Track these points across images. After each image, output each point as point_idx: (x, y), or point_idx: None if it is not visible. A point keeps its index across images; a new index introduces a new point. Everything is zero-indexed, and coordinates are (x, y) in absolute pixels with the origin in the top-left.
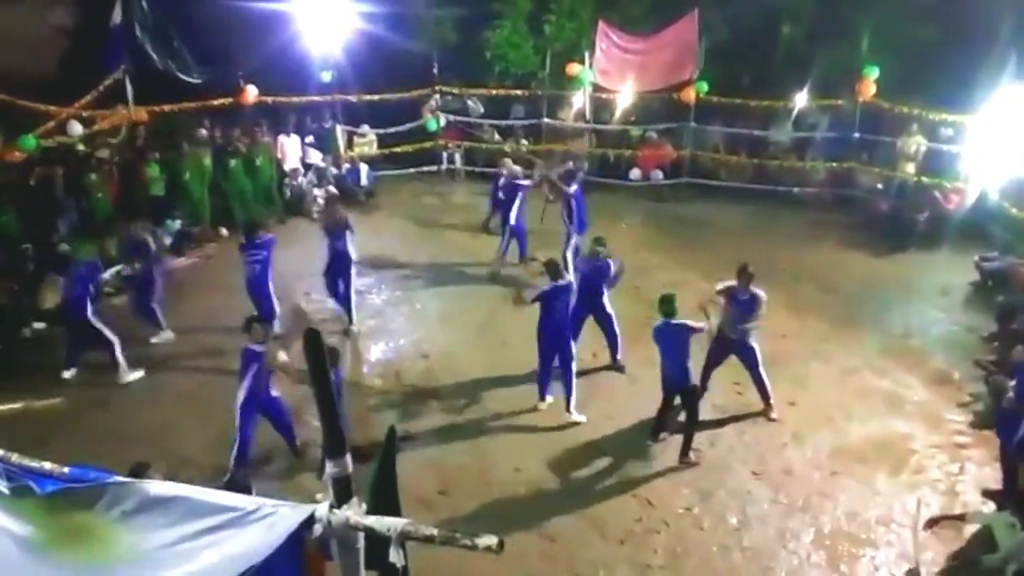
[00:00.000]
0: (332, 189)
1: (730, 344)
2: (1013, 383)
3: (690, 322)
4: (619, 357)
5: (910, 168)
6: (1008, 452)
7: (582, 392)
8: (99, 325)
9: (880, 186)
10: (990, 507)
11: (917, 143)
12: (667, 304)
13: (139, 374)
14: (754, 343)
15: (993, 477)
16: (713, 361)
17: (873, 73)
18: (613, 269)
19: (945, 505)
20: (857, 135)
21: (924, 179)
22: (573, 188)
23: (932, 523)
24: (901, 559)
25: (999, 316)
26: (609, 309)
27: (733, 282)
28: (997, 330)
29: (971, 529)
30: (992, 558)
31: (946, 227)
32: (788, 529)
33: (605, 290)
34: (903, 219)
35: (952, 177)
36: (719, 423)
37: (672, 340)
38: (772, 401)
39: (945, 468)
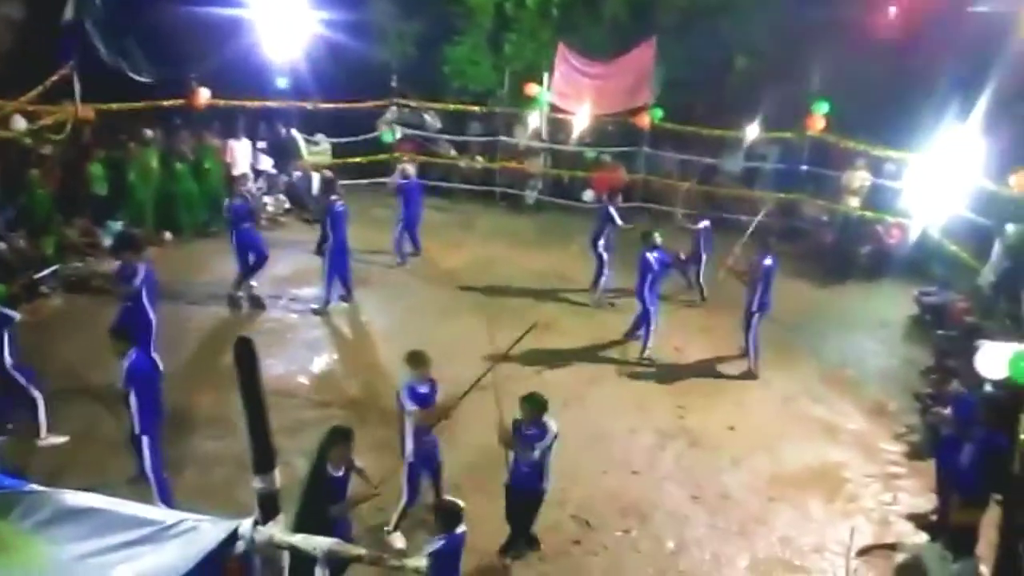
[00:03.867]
0: (282, 198)
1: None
2: (949, 412)
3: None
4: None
5: (854, 202)
6: (946, 482)
7: None
8: (20, 378)
9: (825, 218)
10: (922, 537)
11: (862, 178)
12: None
13: (62, 439)
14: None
15: (926, 508)
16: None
17: (822, 108)
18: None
19: (878, 534)
20: (805, 168)
21: (868, 213)
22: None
23: (865, 552)
24: None
25: (936, 350)
26: None
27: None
28: (934, 364)
29: (903, 559)
30: None
31: (887, 261)
32: (724, 554)
33: None
34: (846, 251)
35: (895, 212)
36: (660, 447)
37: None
38: None
39: (879, 497)
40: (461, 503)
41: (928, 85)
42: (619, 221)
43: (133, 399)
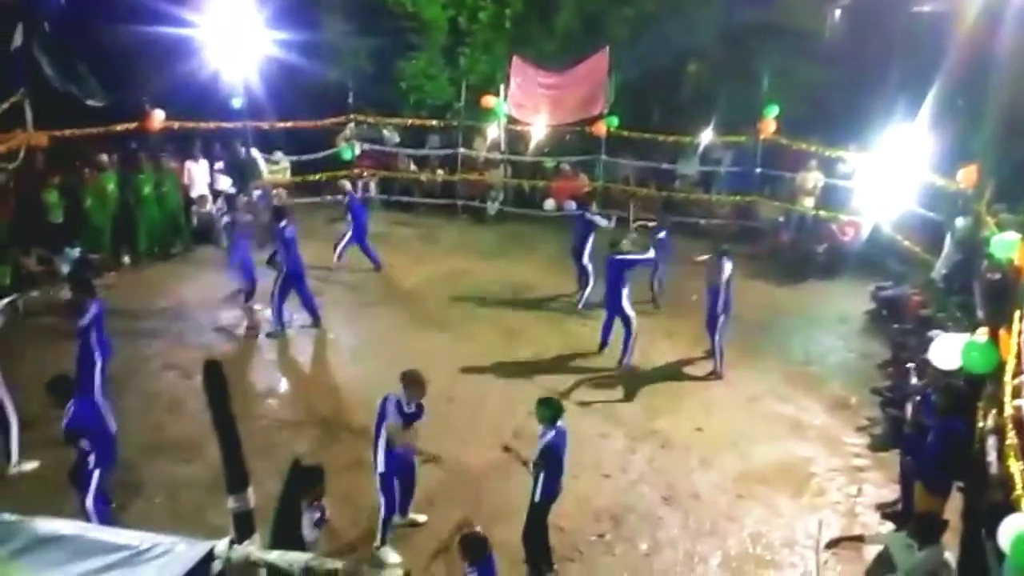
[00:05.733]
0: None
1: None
2: (910, 407)
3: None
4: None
5: (809, 202)
6: (908, 471)
7: (494, 419)
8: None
9: (781, 219)
10: (888, 527)
11: (815, 178)
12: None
13: (33, 465)
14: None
15: (890, 498)
16: None
17: (773, 112)
18: None
19: (845, 526)
20: (759, 170)
21: (822, 212)
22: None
23: (833, 544)
24: None
25: (893, 344)
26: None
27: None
28: (891, 357)
29: (871, 550)
30: None
31: (843, 258)
32: (696, 553)
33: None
34: (803, 251)
35: (848, 211)
36: (631, 450)
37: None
38: None
39: (844, 490)
40: (483, 534)
41: (876, 85)
42: (603, 222)
43: (85, 445)
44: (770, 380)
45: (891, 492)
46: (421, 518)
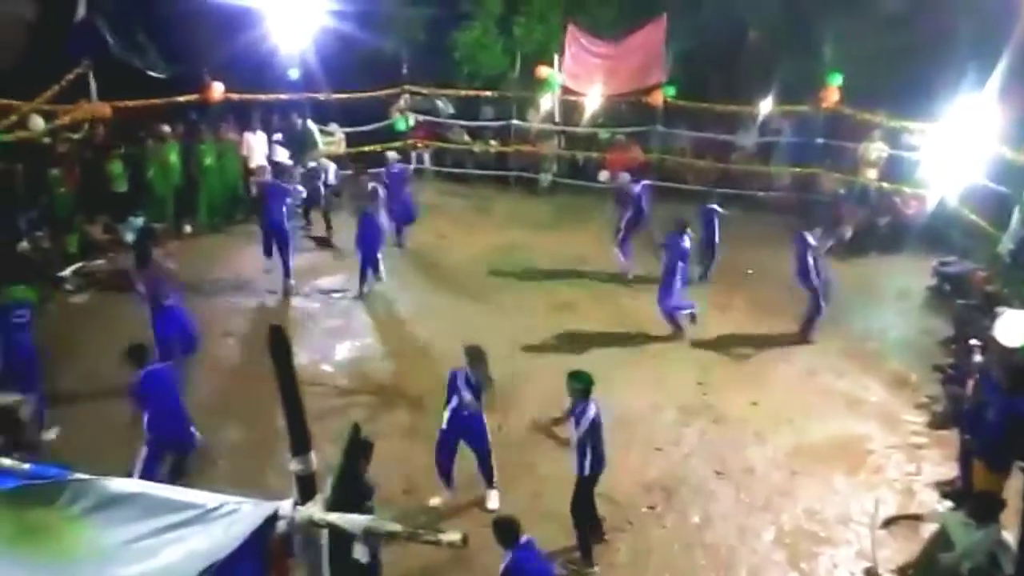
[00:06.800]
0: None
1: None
2: (971, 384)
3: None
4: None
5: (872, 174)
6: (968, 450)
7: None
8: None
9: (842, 191)
10: (946, 506)
11: (879, 149)
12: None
13: (54, 432)
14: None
15: (949, 477)
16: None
17: (836, 80)
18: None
19: (902, 504)
20: (821, 141)
21: (885, 185)
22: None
23: (889, 522)
24: (859, 557)
25: (956, 320)
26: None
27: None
28: (954, 334)
29: (928, 528)
30: (948, 556)
31: (906, 232)
32: (749, 527)
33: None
34: (864, 224)
35: (913, 183)
36: (683, 423)
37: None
38: None
39: (902, 468)
40: (513, 518)
41: (944, 53)
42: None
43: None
44: (828, 355)
45: (950, 470)
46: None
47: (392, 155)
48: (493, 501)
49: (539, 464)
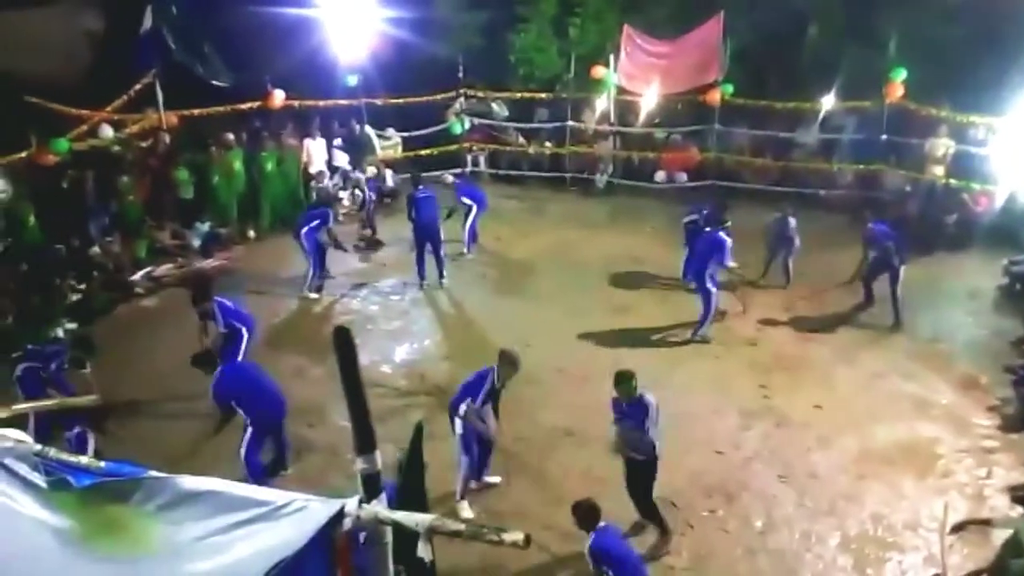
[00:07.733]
0: (358, 192)
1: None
2: None
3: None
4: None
5: (938, 170)
6: None
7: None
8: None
9: (908, 188)
10: (1018, 511)
11: (945, 145)
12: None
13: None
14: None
15: (1021, 481)
16: None
17: (900, 75)
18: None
19: (972, 509)
20: (885, 137)
21: (952, 181)
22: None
23: (959, 528)
24: (928, 563)
25: None
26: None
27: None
28: None
29: (999, 534)
30: (1020, 563)
31: (975, 230)
32: (813, 532)
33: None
34: (931, 222)
35: (981, 180)
36: (745, 427)
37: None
38: None
39: (972, 472)
40: (593, 502)
41: (1012, 45)
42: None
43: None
44: (894, 357)
45: (1021, 475)
46: (495, 479)
47: (449, 178)
48: (466, 511)
49: (594, 467)
